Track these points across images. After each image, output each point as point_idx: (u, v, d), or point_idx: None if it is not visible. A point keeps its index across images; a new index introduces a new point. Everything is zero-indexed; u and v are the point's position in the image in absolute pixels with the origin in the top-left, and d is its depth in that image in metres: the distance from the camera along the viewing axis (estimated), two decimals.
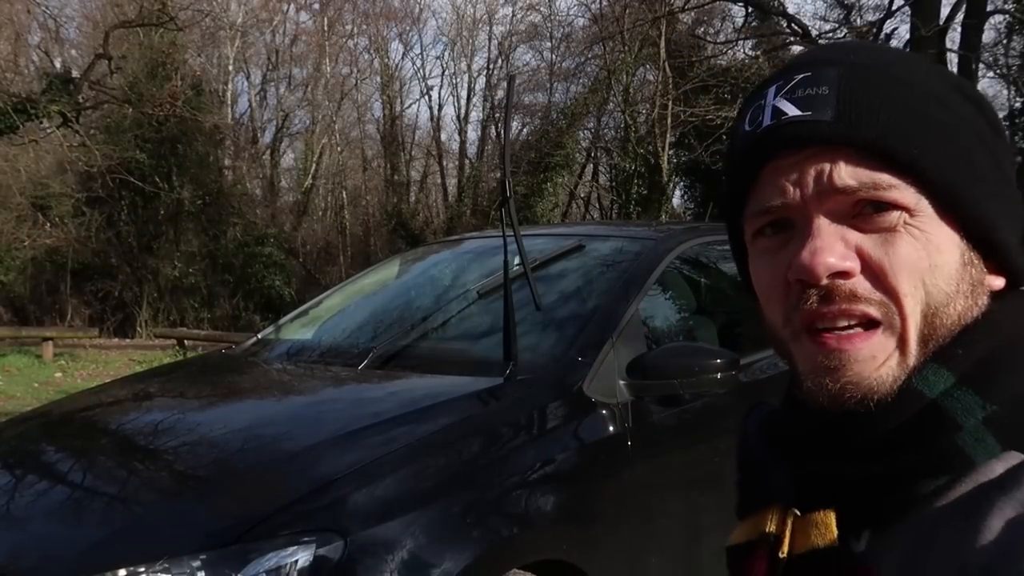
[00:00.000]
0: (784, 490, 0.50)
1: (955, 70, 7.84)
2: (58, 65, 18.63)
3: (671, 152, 18.40)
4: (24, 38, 18.01)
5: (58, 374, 10.16)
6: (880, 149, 0.44)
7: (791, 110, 0.46)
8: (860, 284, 0.45)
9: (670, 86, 15.34)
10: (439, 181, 25.64)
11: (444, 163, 25.46)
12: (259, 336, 2.70)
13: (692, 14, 15.57)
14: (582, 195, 22.80)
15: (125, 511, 1.43)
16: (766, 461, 0.54)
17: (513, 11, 22.99)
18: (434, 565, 1.34)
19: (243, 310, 19.61)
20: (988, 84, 20.69)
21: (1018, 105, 18.88)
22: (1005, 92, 20.01)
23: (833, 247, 0.45)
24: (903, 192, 0.45)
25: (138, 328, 18.33)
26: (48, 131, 12.84)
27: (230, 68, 23.18)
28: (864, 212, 0.45)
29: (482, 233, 3.30)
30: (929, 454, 0.43)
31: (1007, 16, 11.20)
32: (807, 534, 0.47)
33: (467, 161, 24.09)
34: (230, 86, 23.41)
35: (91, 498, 1.51)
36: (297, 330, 2.69)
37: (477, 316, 2.24)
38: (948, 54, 7.73)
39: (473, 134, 24.72)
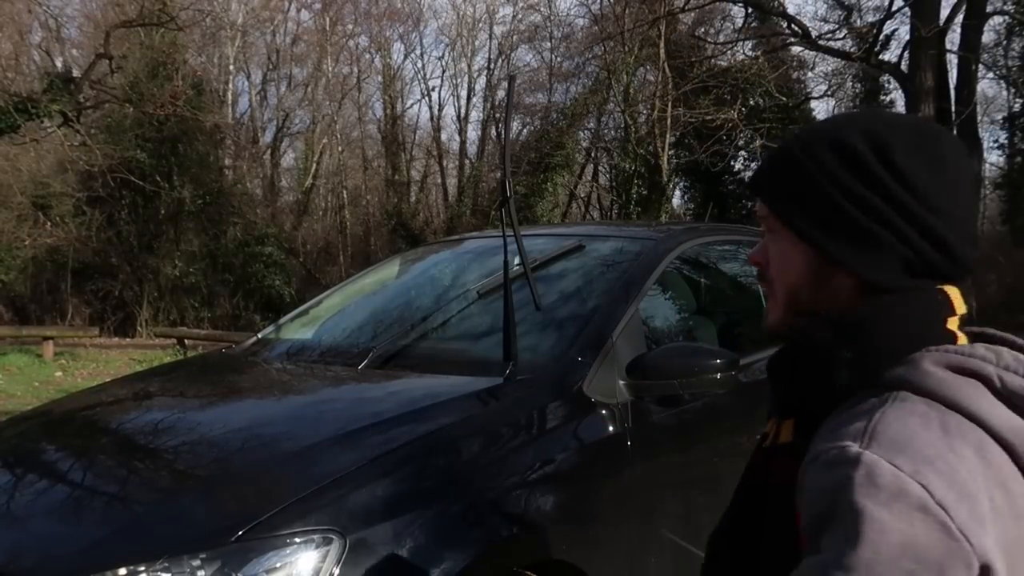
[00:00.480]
0: (775, 408, 0.80)
1: (955, 71, 7.84)
2: (59, 64, 18.62)
3: (671, 152, 18.39)
4: (25, 37, 18.01)
5: (58, 373, 10.16)
6: (759, 189, 0.80)
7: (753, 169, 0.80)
8: (765, 271, 0.80)
9: (670, 87, 15.34)
10: (439, 181, 25.63)
11: (444, 163, 25.45)
12: (259, 336, 2.70)
13: (692, 15, 15.57)
14: (582, 195, 22.80)
15: (125, 510, 1.43)
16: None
17: (514, 11, 22.97)
18: (434, 565, 1.34)
19: (243, 309, 19.61)
20: (988, 85, 20.72)
21: (1018, 107, 18.89)
22: (1005, 93, 20.05)
23: (757, 248, 0.82)
24: (774, 223, 0.77)
25: (138, 327, 18.32)
26: (49, 130, 12.84)
27: (231, 68, 23.17)
28: (770, 227, 0.79)
29: (482, 233, 3.30)
30: (817, 384, 0.71)
31: (1007, 17, 11.20)
32: (781, 434, 0.76)
33: (467, 161, 24.08)
34: (231, 86, 23.40)
35: (91, 497, 1.51)
36: (297, 330, 2.69)
37: (477, 316, 2.24)
38: (948, 55, 7.73)
39: (473, 134, 24.72)
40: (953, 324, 0.70)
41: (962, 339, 0.70)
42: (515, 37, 23.37)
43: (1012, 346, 0.70)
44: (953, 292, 0.72)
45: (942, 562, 0.56)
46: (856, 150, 0.71)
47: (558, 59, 22.02)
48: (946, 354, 0.66)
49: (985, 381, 0.64)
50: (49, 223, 17.52)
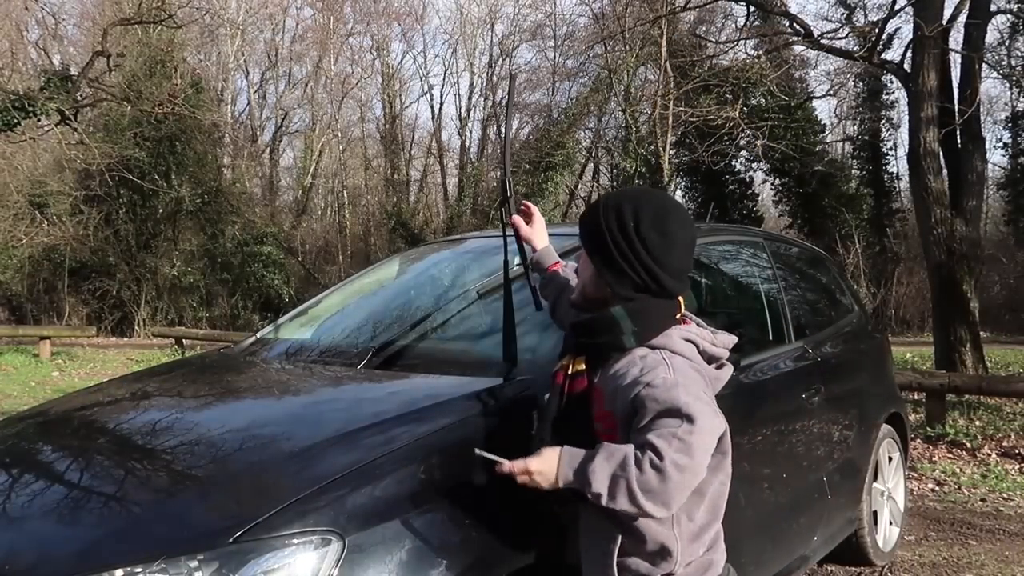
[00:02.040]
0: (574, 347, 1.42)
1: (958, 70, 7.81)
2: (56, 62, 18.60)
3: (672, 152, 18.38)
4: (23, 35, 17.98)
5: (55, 373, 10.14)
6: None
7: None
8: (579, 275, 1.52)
9: (671, 86, 15.33)
10: (439, 180, 25.62)
11: (444, 162, 25.43)
12: (258, 335, 2.69)
13: (693, 14, 15.56)
14: (583, 195, 22.79)
15: (122, 511, 1.42)
16: (568, 334, 1.48)
17: (515, 9, 22.95)
18: (433, 567, 1.34)
19: (242, 309, 19.59)
20: (991, 84, 20.70)
21: (1021, 106, 18.88)
22: (1008, 93, 20.04)
23: (580, 260, 1.50)
24: (583, 253, 1.44)
25: (136, 327, 18.30)
26: (46, 129, 12.83)
27: (230, 66, 23.13)
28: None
29: (482, 233, 3.29)
30: (614, 341, 1.34)
31: (1010, 16, 11.20)
32: (576, 365, 1.40)
33: (468, 160, 24.05)
34: (229, 84, 23.37)
35: (88, 498, 1.50)
36: (296, 329, 2.67)
37: (477, 316, 2.23)
38: (951, 54, 7.71)
39: (474, 133, 24.70)
40: (678, 315, 1.39)
41: (687, 320, 1.41)
42: (516, 36, 23.33)
43: (700, 324, 1.43)
44: (680, 301, 1.40)
45: (717, 426, 1.28)
46: (623, 219, 1.35)
47: (560, 58, 22.00)
48: (681, 330, 1.37)
49: (696, 344, 1.37)
50: (46, 222, 17.49)
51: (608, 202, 1.40)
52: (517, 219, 1.78)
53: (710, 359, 1.38)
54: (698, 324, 1.44)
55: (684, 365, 1.30)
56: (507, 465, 1.31)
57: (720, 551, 1.40)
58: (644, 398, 1.25)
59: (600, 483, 1.23)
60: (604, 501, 1.23)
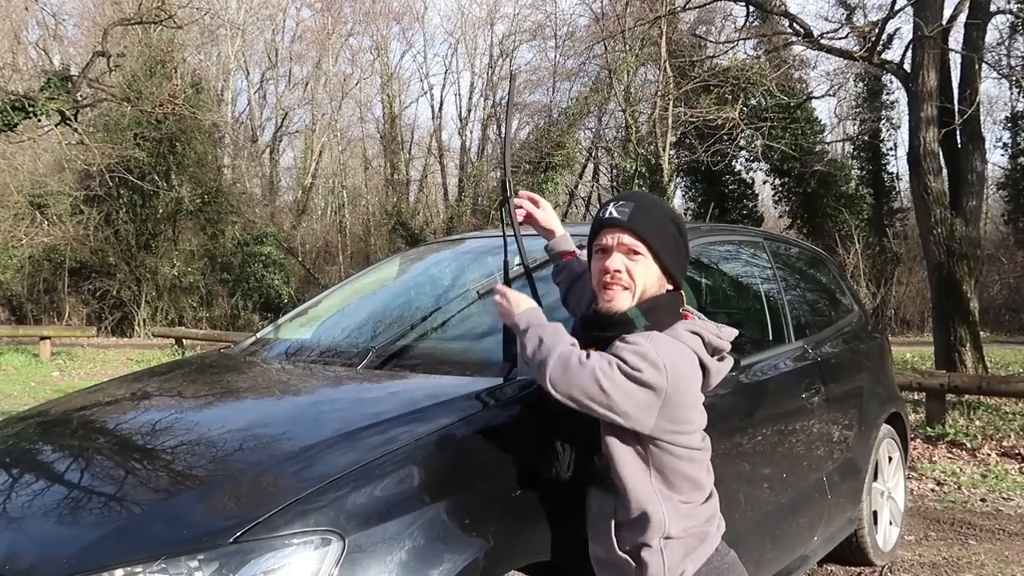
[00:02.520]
0: (583, 341, 1.48)
1: (958, 70, 7.81)
2: (56, 62, 18.60)
3: (672, 152, 18.39)
4: (22, 35, 17.97)
5: (55, 373, 10.14)
6: (637, 232, 1.50)
7: (615, 213, 1.52)
8: (624, 276, 1.50)
9: (671, 86, 15.33)
10: (439, 180, 25.61)
11: (444, 162, 25.42)
12: (258, 335, 2.69)
13: (693, 14, 15.56)
14: (583, 195, 22.80)
15: (122, 511, 1.42)
16: (579, 330, 1.55)
17: (515, 10, 22.96)
18: (433, 566, 1.34)
19: (242, 309, 19.58)
20: (991, 84, 20.69)
21: (1021, 106, 18.87)
22: (1007, 93, 20.03)
23: (616, 262, 1.51)
24: (641, 248, 1.51)
25: (136, 327, 18.30)
26: (46, 129, 12.83)
27: (230, 66, 23.13)
28: (629, 252, 1.51)
29: (482, 233, 3.29)
30: (626, 334, 1.44)
31: (1010, 16, 11.20)
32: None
33: (468, 160, 24.05)
34: (230, 84, 23.37)
35: (88, 498, 1.50)
36: (296, 329, 2.67)
37: (477, 316, 2.23)
38: (951, 54, 7.70)
39: (474, 133, 24.70)
40: (681, 309, 1.53)
41: (688, 314, 1.54)
42: (516, 36, 23.32)
43: (701, 317, 1.55)
44: (683, 293, 1.57)
45: (652, 400, 1.39)
46: (680, 225, 1.57)
47: (560, 58, 21.99)
48: (687, 324, 1.49)
49: (701, 336, 1.48)
50: (46, 222, 17.48)
51: (664, 204, 1.64)
52: (526, 205, 1.83)
53: (713, 351, 1.48)
54: (700, 318, 1.55)
55: (665, 340, 1.42)
56: (499, 285, 1.62)
57: (716, 526, 1.51)
58: (614, 345, 1.41)
59: (531, 343, 1.44)
60: (527, 354, 1.45)
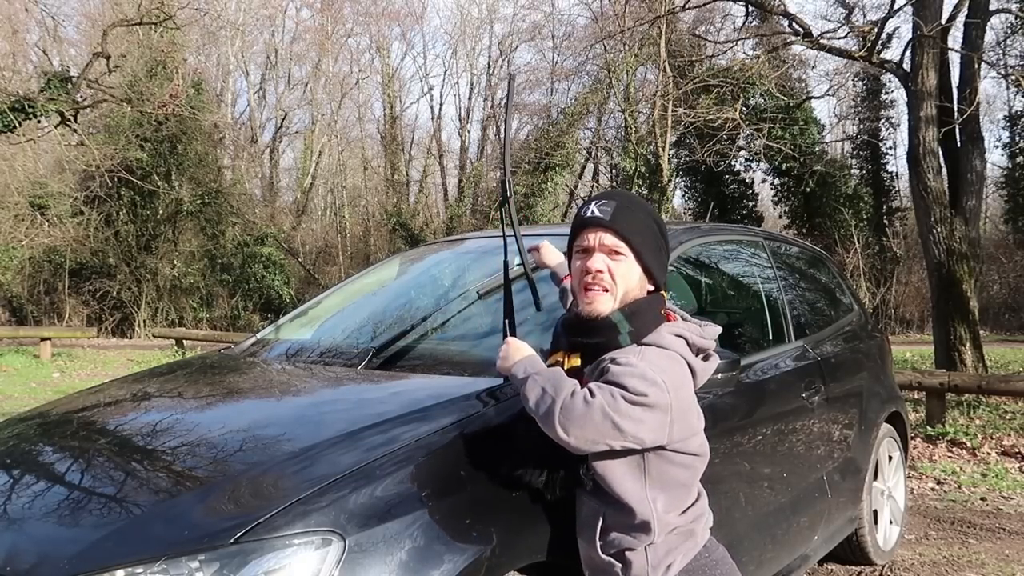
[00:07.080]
0: (566, 344, 1.52)
1: (957, 70, 7.81)
2: (56, 63, 18.60)
3: (671, 152, 18.39)
4: (22, 36, 17.97)
5: (56, 374, 10.14)
6: (619, 232, 1.47)
7: (596, 212, 1.49)
8: (606, 277, 1.47)
9: (670, 86, 15.33)
10: (439, 181, 25.60)
11: (444, 163, 25.41)
12: (258, 336, 2.69)
13: (693, 14, 15.56)
14: (582, 195, 22.77)
15: (123, 511, 1.42)
16: (561, 333, 1.55)
17: (515, 9, 22.96)
18: (433, 566, 1.34)
19: (242, 310, 19.58)
20: (990, 84, 20.69)
21: (1019, 106, 18.87)
22: (1005, 93, 20.03)
23: (598, 262, 1.47)
24: (623, 248, 1.48)
25: (136, 328, 18.30)
26: (46, 130, 12.82)
27: (230, 67, 23.12)
28: (611, 252, 1.47)
29: (482, 233, 3.29)
30: (610, 342, 1.45)
31: (1009, 16, 11.19)
32: (571, 362, 1.48)
33: (467, 160, 24.04)
34: (229, 85, 23.36)
35: (89, 498, 1.50)
36: (296, 330, 2.68)
37: (477, 316, 2.23)
38: (950, 53, 7.70)
39: (474, 133, 24.69)
40: (663, 310, 1.51)
41: (670, 314, 1.52)
42: (516, 36, 23.31)
43: (685, 317, 1.54)
44: (663, 294, 1.53)
45: (659, 420, 1.38)
46: (660, 224, 1.54)
47: (559, 58, 21.98)
48: (670, 326, 1.48)
49: (685, 338, 1.47)
50: (46, 223, 17.48)
51: (645, 203, 1.58)
52: (538, 257, 2.00)
53: (698, 351, 1.48)
54: (683, 317, 1.53)
55: (656, 354, 1.41)
56: (509, 337, 1.57)
57: (703, 524, 1.51)
58: (606, 368, 1.39)
59: (533, 394, 1.40)
60: (530, 405, 1.40)
